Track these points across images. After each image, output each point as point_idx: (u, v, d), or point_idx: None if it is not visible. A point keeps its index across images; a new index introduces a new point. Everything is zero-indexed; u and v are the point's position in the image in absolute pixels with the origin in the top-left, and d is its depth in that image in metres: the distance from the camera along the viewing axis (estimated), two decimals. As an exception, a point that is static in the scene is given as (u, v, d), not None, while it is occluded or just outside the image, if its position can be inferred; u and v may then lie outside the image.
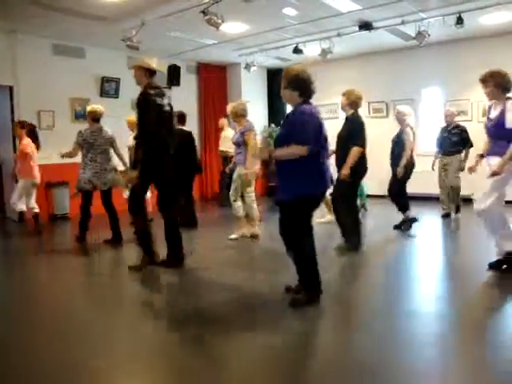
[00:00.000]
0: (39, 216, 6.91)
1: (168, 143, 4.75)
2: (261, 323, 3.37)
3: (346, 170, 5.07)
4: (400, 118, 6.53)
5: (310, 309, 3.57)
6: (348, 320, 3.58)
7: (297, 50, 9.09)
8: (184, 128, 6.80)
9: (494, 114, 4.38)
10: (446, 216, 7.53)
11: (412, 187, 6.74)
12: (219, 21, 6.60)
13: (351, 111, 5.33)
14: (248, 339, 3.10)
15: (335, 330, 3.40)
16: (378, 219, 7.78)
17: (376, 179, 7.45)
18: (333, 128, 8.10)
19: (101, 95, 9.16)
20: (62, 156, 6.23)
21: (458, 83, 9.34)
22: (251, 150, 5.71)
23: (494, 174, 4.14)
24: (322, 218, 7.01)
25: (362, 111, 6.92)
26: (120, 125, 7.45)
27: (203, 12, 6.50)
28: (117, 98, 9.31)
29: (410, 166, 6.48)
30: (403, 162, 6.30)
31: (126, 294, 4.36)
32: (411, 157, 6.43)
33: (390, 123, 9.46)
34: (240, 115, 5.99)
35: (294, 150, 3.45)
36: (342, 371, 2.66)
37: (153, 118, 4.57)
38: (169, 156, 4.77)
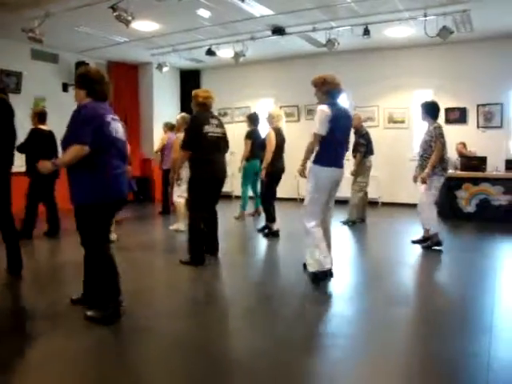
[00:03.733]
0: None
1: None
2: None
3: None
4: (269, 121, 6.63)
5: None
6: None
7: (210, 52, 9.06)
8: (43, 127, 6.29)
9: None
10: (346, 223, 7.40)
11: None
12: (129, 17, 6.39)
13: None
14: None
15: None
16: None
17: (285, 183, 7.36)
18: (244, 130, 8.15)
19: (-1, 90, 8.53)
20: None
21: (366, 90, 9.76)
22: None
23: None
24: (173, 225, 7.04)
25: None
26: (23, 123, 6.84)
27: (112, 8, 6.25)
28: (19, 93, 8.65)
29: (279, 170, 6.51)
30: (264, 164, 6.40)
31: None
32: (275, 161, 6.39)
33: (302, 127, 9.72)
34: None
35: (73, 152, 3.16)
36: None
37: None
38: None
